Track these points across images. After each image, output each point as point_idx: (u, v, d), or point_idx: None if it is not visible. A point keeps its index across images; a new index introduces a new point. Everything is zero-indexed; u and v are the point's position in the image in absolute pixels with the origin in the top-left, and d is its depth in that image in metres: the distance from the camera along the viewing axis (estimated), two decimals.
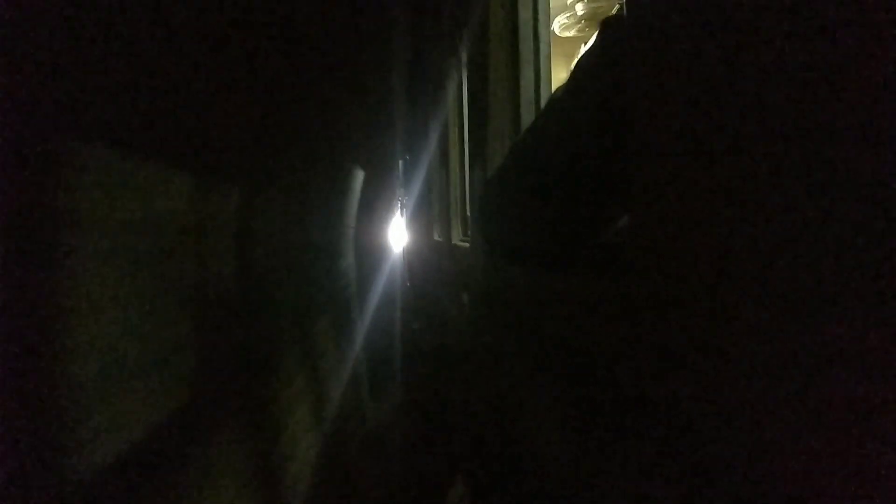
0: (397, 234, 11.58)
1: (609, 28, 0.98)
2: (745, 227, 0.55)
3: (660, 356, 0.73)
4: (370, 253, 7.14)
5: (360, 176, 5.67)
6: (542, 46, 2.15)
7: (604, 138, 0.93)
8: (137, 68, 1.34)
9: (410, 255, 9.81)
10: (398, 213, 11.36)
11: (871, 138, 0.41)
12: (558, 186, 1.01)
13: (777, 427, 0.51)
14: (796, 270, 0.48)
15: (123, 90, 1.30)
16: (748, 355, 0.55)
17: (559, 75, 2.53)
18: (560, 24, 2.83)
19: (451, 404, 3.56)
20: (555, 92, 1.06)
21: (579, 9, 2.70)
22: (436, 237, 5.57)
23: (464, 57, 3.59)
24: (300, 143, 3.20)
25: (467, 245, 3.27)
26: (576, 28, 2.81)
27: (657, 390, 0.75)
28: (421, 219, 7.50)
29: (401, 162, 9.64)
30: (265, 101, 2.35)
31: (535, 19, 2.17)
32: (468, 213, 3.61)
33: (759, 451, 0.53)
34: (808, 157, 0.47)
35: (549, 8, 2.22)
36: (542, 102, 2.09)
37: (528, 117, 2.13)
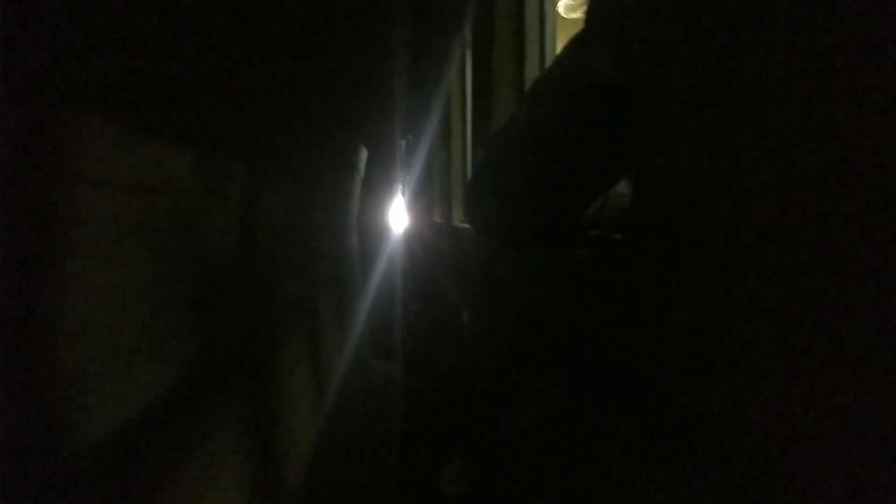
0: (398, 215, 11.54)
1: (594, 9, 0.95)
2: (748, 217, 0.55)
3: (658, 348, 0.74)
4: (372, 234, 7.13)
5: (362, 157, 5.65)
6: (548, 27, 2.13)
7: (587, 122, 0.92)
8: (150, 55, 1.34)
9: (411, 236, 9.79)
10: (399, 193, 11.31)
11: (877, 135, 0.42)
12: (541, 173, 1.01)
13: (780, 426, 0.52)
14: (802, 265, 0.49)
15: (136, 75, 1.29)
16: (750, 348, 0.55)
17: None
18: (565, 6, 2.79)
19: (449, 391, 3.58)
20: (537, 77, 1.05)
21: None
22: (436, 218, 5.56)
23: (468, 36, 3.56)
24: (303, 125, 3.19)
25: (468, 226, 3.27)
26: (581, 10, 2.77)
27: (656, 382, 0.75)
28: (422, 200, 7.47)
29: (403, 142, 9.57)
30: (269, 83, 2.34)
31: (541, 0, 2.15)
32: None
33: (760, 447, 0.54)
34: (816, 143, 0.47)
35: None
36: None
37: None
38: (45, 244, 1.05)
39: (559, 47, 2.13)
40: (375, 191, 6.93)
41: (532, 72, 2.17)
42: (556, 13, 2.27)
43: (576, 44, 1.00)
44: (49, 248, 1.06)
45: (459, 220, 4.02)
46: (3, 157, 0.93)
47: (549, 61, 2.13)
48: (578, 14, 2.54)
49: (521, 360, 1.72)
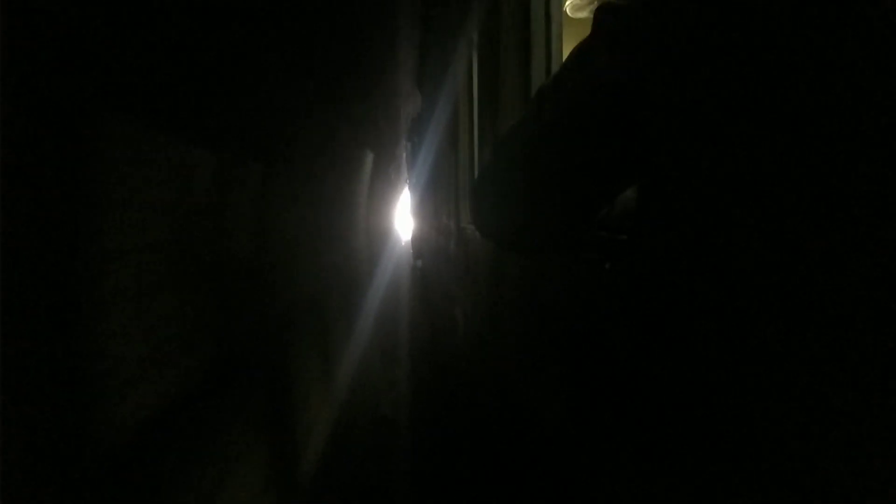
0: (404, 217, 11.60)
1: (604, 14, 0.94)
2: (758, 224, 0.54)
3: (666, 355, 0.73)
4: (379, 236, 7.15)
5: (368, 160, 5.67)
6: (554, 27, 2.12)
7: (595, 127, 0.91)
8: (170, 67, 1.35)
9: (418, 238, 9.82)
10: (405, 195, 11.36)
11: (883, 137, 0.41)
12: (546, 182, 1.00)
13: (787, 432, 0.51)
14: (811, 272, 0.48)
15: (147, 85, 1.30)
16: (759, 356, 0.54)
17: None
18: (572, 6, 2.78)
19: (459, 392, 3.58)
20: (543, 83, 1.04)
21: None
22: (444, 220, 5.57)
23: (474, 38, 3.56)
24: (311, 128, 3.20)
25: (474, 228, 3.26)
26: (588, 10, 2.76)
27: (662, 388, 0.75)
28: (428, 202, 7.49)
29: (409, 145, 9.62)
30: (277, 88, 2.35)
31: (547, 0, 2.14)
32: None
33: (766, 454, 0.53)
34: (824, 151, 0.46)
35: None
36: None
37: None
38: (75, 255, 1.06)
39: (565, 46, 2.12)
40: (380, 194, 6.95)
41: (538, 71, 2.16)
42: (563, 13, 2.26)
43: (583, 48, 0.99)
44: (78, 260, 1.07)
45: (467, 222, 4.03)
46: (34, 174, 0.94)
47: (555, 61, 2.11)
48: (585, 13, 2.52)
49: (527, 361, 1.71)
